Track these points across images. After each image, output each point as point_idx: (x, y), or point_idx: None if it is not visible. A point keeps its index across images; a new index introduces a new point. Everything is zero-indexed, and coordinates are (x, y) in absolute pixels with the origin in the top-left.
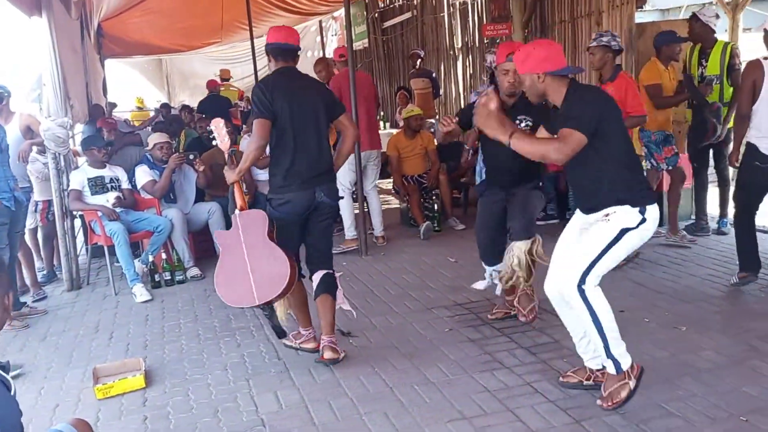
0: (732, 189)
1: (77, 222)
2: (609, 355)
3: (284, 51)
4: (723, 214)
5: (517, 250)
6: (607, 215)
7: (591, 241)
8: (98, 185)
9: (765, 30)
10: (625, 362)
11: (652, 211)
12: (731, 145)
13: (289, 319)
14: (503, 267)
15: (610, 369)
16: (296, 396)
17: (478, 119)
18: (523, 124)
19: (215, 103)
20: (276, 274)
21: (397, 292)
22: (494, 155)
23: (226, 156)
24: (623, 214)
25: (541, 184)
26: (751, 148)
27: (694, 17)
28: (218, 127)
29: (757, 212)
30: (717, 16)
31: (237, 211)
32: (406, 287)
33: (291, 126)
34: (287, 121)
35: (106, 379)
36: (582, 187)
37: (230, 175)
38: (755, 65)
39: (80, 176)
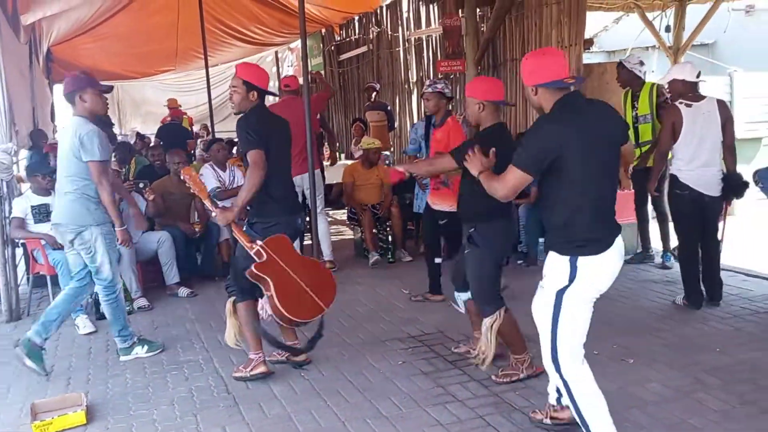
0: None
1: (18, 251)
2: None
3: (265, 92)
4: (666, 248)
5: (484, 330)
6: (543, 278)
7: (540, 320)
8: (42, 213)
9: (670, 80)
10: None
11: (589, 262)
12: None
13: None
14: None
15: None
16: (245, 431)
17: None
18: None
19: (173, 131)
20: (325, 279)
21: (350, 323)
22: (462, 184)
23: (208, 203)
24: (552, 273)
25: (471, 230)
26: (673, 178)
27: (620, 65)
28: (191, 176)
29: (699, 245)
30: (641, 63)
31: (259, 242)
32: (359, 319)
33: (277, 156)
34: (276, 150)
35: (45, 415)
36: (546, 228)
37: (228, 215)
38: (675, 110)
39: (23, 203)
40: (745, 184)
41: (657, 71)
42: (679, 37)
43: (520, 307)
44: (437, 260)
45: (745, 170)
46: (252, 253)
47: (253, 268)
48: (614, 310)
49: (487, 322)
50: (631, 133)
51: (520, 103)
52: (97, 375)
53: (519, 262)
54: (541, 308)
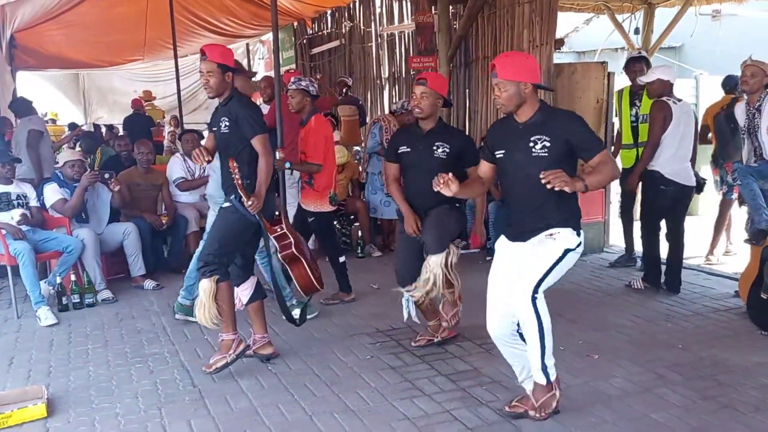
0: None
1: None
2: (543, 365)
3: (237, 71)
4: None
5: (433, 264)
6: (551, 234)
7: (540, 258)
8: (3, 201)
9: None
10: (554, 373)
11: (582, 236)
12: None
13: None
14: (418, 281)
15: (540, 380)
16: (211, 425)
17: (563, 184)
18: (440, 150)
19: (137, 121)
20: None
21: (319, 317)
22: (415, 180)
23: (242, 193)
24: (567, 235)
25: (457, 205)
26: (655, 174)
27: (643, 59)
28: (232, 166)
29: (660, 230)
30: (639, 52)
31: (280, 226)
32: (327, 313)
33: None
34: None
35: (4, 408)
36: (535, 208)
37: (258, 201)
38: (665, 105)
39: None
40: (704, 182)
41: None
42: (647, 40)
43: (482, 301)
44: (341, 259)
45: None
46: (275, 237)
47: (293, 250)
48: (580, 307)
49: (440, 257)
50: (628, 132)
51: (490, 101)
52: (59, 368)
53: (488, 258)
54: (542, 252)
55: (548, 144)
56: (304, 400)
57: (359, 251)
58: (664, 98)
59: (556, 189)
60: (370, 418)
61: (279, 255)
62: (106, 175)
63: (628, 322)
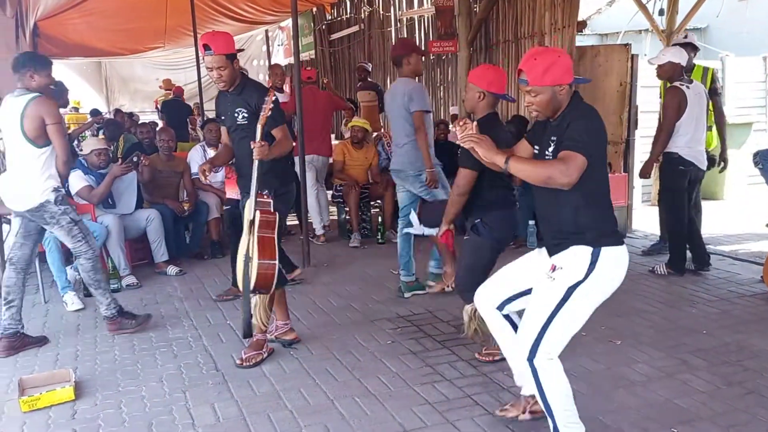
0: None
1: (5, 227)
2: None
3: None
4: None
5: (465, 316)
6: (553, 269)
7: (537, 306)
8: None
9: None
10: None
11: (612, 254)
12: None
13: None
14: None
15: None
16: (234, 409)
17: (470, 142)
18: None
19: (176, 107)
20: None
21: (340, 303)
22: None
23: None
24: (568, 267)
25: (477, 221)
26: (673, 156)
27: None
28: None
29: (685, 211)
30: (686, 37)
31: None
32: (348, 298)
33: None
34: None
35: (33, 390)
36: (550, 220)
37: (264, 149)
38: (679, 90)
39: None
40: (713, 161)
41: (649, 54)
42: (672, 21)
43: None
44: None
45: (736, 155)
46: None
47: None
48: None
49: (468, 308)
50: None
51: (512, 85)
52: (86, 352)
53: (510, 244)
54: (540, 298)
55: (554, 146)
56: (325, 385)
57: (379, 237)
58: (677, 84)
59: (465, 146)
60: (391, 402)
61: (257, 228)
62: (135, 159)
63: (651, 307)
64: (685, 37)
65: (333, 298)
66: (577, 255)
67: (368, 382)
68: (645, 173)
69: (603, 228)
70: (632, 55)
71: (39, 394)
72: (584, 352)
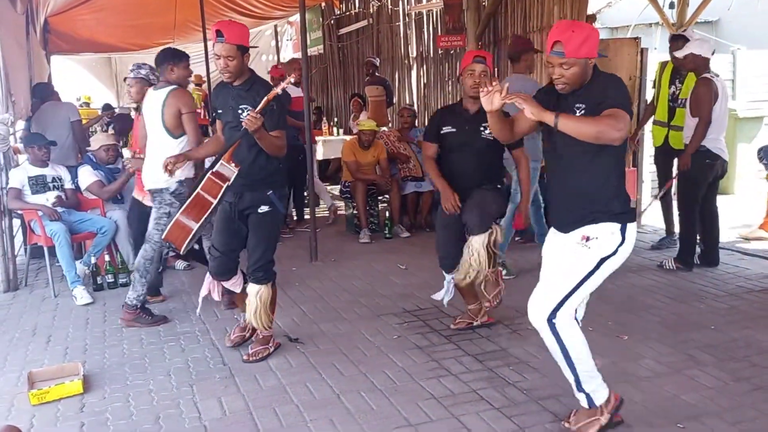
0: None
1: (16, 221)
2: (580, 389)
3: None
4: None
5: (476, 244)
6: (587, 239)
7: (566, 273)
8: (39, 184)
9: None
10: (600, 397)
11: (633, 229)
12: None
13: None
14: (462, 263)
15: (582, 402)
16: (241, 402)
17: (520, 101)
18: (487, 131)
19: None
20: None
21: (347, 298)
22: (458, 161)
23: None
24: (603, 240)
25: (498, 186)
26: (701, 149)
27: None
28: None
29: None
30: (684, 30)
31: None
32: (355, 293)
33: None
34: None
35: (42, 384)
36: (572, 193)
37: (257, 121)
38: (710, 81)
39: (20, 174)
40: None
41: (659, 48)
42: (682, 14)
43: (517, 283)
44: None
45: (746, 149)
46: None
47: (213, 199)
48: (609, 287)
49: (483, 237)
50: (663, 109)
51: None
52: (94, 345)
53: (517, 238)
54: (572, 266)
55: (584, 112)
56: (331, 379)
57: (387, 232)
58: (708, 75)
59: (516, 104)
60: (397, 397)
61: (201, 185)
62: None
63: (658, 302)
64: (684, 30)
65: (340, 293)
66: (609, 230)
67: (374, 377)
68: (685, 165)
69: (626, 201)
70: (642, 49)
71: (48, 387)
72: (591, 347)
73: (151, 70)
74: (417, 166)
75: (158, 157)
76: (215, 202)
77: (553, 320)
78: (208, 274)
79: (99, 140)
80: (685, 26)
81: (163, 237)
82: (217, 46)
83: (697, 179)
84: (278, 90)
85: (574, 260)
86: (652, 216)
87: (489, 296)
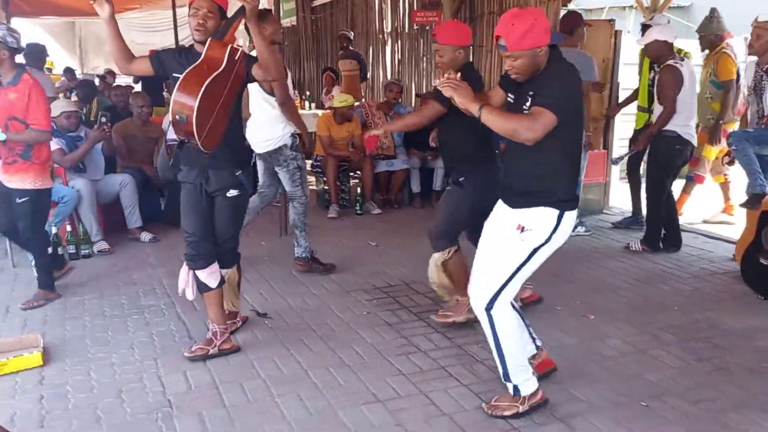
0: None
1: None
2: (507, 379)
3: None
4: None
5: (431, 263)
6: (522, 230)
7: (500, 263)
8: None
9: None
10: (527, 389)
11: (569, 218)
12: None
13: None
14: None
15: (509, 388)
16: (207, 377)
17: (449, 89)
18: None
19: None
20: None
21: (316, 275)
22: (440, 139)
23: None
24: (537, 230)
25: (461, 179)
26: (672, 135)
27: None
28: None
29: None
30: (668, 22)
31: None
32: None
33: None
34: None
35: (0, 356)
36: (521, 177)
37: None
38: (676, 70)
39: None
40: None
41: (633, 32)
42: None
43: None
44: (50, 250)
45: None
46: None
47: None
48: (577, 268)
49: (436, 256)
50: (644, 94)
51: (495, 57)
52: (55, 317)
53: None
54: (506, 255)
55: (532, 99)
56: (299, 355)
57: (358, 208)
58: (672, 62)
59: (445, 93)
60: (365, 373)
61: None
62: (103, 119)
63: (625, 284)
64: (651, 18)
65: None
66: (545, 217)
67: (343, 353)
68: (641, 144)
69: (570, 192)
70: (616, 31)
71: (6, 359)
72: (558, 327)
73: (9, 31)
74: (391, 146)
75: (263, 119)
76: (220, 69)
77: (491, 310)
78: (183, 266)
79: (60, 106)
80: (659, 10)
81: (173, 135)
82: (198, 0)
83: (667, 164)
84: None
85: (509, 251)
86: (619, 198)
87: (439, 311)
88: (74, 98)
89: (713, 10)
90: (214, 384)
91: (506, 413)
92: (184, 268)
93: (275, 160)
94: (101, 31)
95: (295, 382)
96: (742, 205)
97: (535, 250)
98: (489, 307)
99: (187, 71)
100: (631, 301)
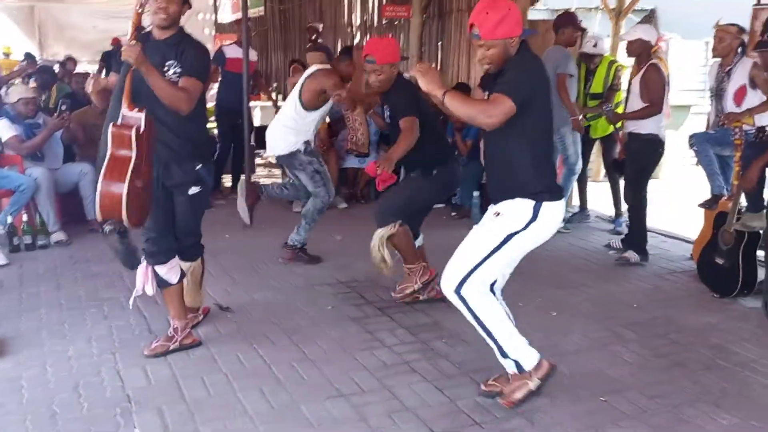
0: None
1: None
2: (505, 356)
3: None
4: (619, 213)
5: (375, 237)
6: (497, 214)
7: (474, 245)
8: None
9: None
10: (528, 362)
11: (550, 209)
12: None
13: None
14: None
15: (510, 368)
16: (167, 371)
17: (418, 73)
18: (387, 113)
19: (117, 58)
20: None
21: (281, 267)
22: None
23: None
24: (512, 215)
25: (422, 171)
26: (654, 138)
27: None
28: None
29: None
30: (595, 45)
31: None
32: (290, 265)
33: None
34: None
35: None
36: (493, 170)
37: (138, 55)
38: (660, 69)
39: None
40: None
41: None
42: (622, 0)
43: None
44: None
45: (673, 136)
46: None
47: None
48: (541, 265)
49: (381, 231)
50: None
51: (463, 55)
52: (10, 309)
53: (453, 214)
54: (479, 239)
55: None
56: (262, 349)
57: None
58: (655, 61)
59: (416, 76)
60: (329, 367)
61: (110, 143)
62: (63, 107)
63: (587, 281)
64: (595, 44)
65: (273, 262)
66: (520, 206)
67: (306, 347)
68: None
69: (544, 182)
70: (582, 31)
71: None
72: (521, 322)
73: None
74: (365, 143)
75: (281, 125)
76: (133, 153)
77: (460, 291)
78: (142, 262)
79: (18, 92)
80: (624, 12)
81: (98, 218)
82: None
83: (648, 167)
84: (138, 8)
85: (483, 234)
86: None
87: (397, 287)
88: (33, 84)
89: (652, 12)
90: (174, 378)
91: (518, 396)
92: (143, 264)
93: (290, 165)
94: (61, 17)
95: (257, 377)
96: (700, 205)
97: (509, 236)
98: (458, 289)
99: (106, 163)
100: (593, 298)
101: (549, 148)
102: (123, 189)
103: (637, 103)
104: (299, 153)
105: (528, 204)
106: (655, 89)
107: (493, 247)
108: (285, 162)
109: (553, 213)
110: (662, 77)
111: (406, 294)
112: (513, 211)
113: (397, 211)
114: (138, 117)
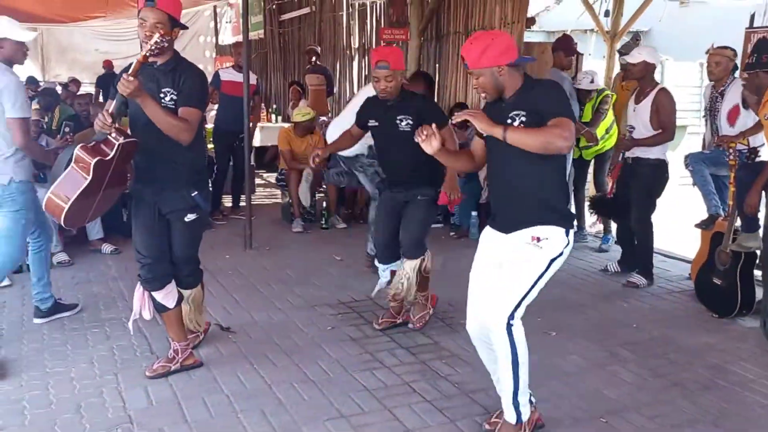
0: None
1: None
2: (514, 402)
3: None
4: (607, 229)
5: (408, 269)
6: (537, 239)
7: (521, 274)
8: None
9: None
10: (526, 412)
11: (572, 235)
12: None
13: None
14: (393, 284)
15: (510, 417)
16: (168, 392)
17: (472, 118)
18: (404, 123)
19: (111, 81)
20: None
21: (281, 288)
22: (388, 155)
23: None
24: (553, 240)
25: (438, 191)
26: (664, 164)
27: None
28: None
29: None
30: (592, 81)
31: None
32: (289, 283)
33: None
34: None
35: None
36: (517, 199)
37: (133, 85)
38: (669, 93)
39: None
40: None
41: (594, 54)
42: (617, 23)
43: (449, 278)
44: None
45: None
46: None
47: (91, 163)
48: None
49: (415, 263)
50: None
51: (460, 76)
52: (12, 331)
53: (452, 234)
54: (525, 267)
55: (525, 119)
56: (263, 369)
57: (324, 222)
58: (665, 86)
59: (460, 119)
60: (329, 388)
61: (73, 160)
62: (66, 129)
63: (586, 301)
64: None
65: (274, 283)
66: (556, 231)
67: (307, 368)
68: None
69: (568, 206)
70: (577, 54)
71: None
72: None
73: None
74: None
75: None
76: (89, 178)
77: (511, 323)
78: (138, 288)
79: None
80: (619, 35)
81: (43, 206)
82: (145, 11)
83: (657, 192)
84: (152, 45)
85: (527, 261)
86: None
87: (414, 318)
88: (36, 106)
89: (637, 35)
90: (175, 399)
91: None
92: (139, 289)
93: (353, 165)
94: (64, 39)
95: (258, 398)
96: (697, 226)
97: (551, 261)
98: (510, 324)
99: (64, 174)
100: (592, 319)
101: (565, 173)
102: (66, 205)
103: (644, 128)
104: (362, 156)
105: (561, 229)
106: (667, 115)
107: (539, 273)
108: (349, 163)
109: (573, 237)
110: (673, 102)
111: (426, 321)
112: (551, 235)
113: (425, 238)
114: (114, 144)
